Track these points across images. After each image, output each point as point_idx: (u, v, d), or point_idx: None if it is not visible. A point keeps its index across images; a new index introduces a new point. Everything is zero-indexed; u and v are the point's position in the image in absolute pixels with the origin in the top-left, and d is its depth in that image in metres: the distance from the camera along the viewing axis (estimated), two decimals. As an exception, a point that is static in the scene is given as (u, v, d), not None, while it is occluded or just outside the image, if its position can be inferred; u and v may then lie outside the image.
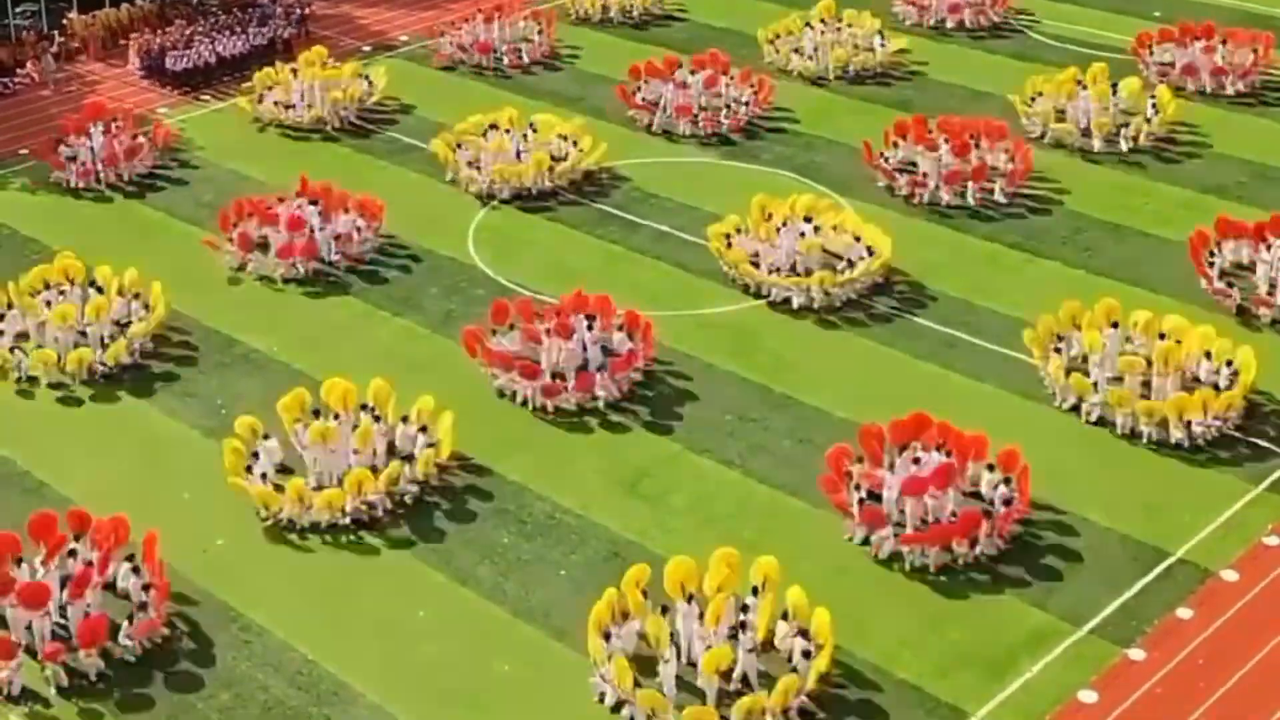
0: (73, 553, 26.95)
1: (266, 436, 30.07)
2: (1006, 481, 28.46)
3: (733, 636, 25.08)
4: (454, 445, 30.05)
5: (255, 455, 29.67)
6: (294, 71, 46.24)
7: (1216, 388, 31.46)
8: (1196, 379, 31.87)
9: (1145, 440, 30.80)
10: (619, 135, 43.99)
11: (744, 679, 24.70)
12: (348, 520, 28.76)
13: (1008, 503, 28.12)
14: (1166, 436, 30.70)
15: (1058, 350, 32.41)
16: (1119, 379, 31.64)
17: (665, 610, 25.49)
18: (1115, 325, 32.92)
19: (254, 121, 45.10)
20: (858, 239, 36.75)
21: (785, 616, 25.68)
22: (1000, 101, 45.00)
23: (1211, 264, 35.99)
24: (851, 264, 36.06)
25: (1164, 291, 35.67)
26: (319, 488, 29.10)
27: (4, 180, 42.73)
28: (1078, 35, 50.91)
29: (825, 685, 24.84)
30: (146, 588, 26.47)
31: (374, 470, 29.41)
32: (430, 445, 29.89)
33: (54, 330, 33.71)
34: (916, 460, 29.04)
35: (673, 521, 28.94)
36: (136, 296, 34.94)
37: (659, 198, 40.80)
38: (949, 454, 28.96)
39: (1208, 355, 32.05)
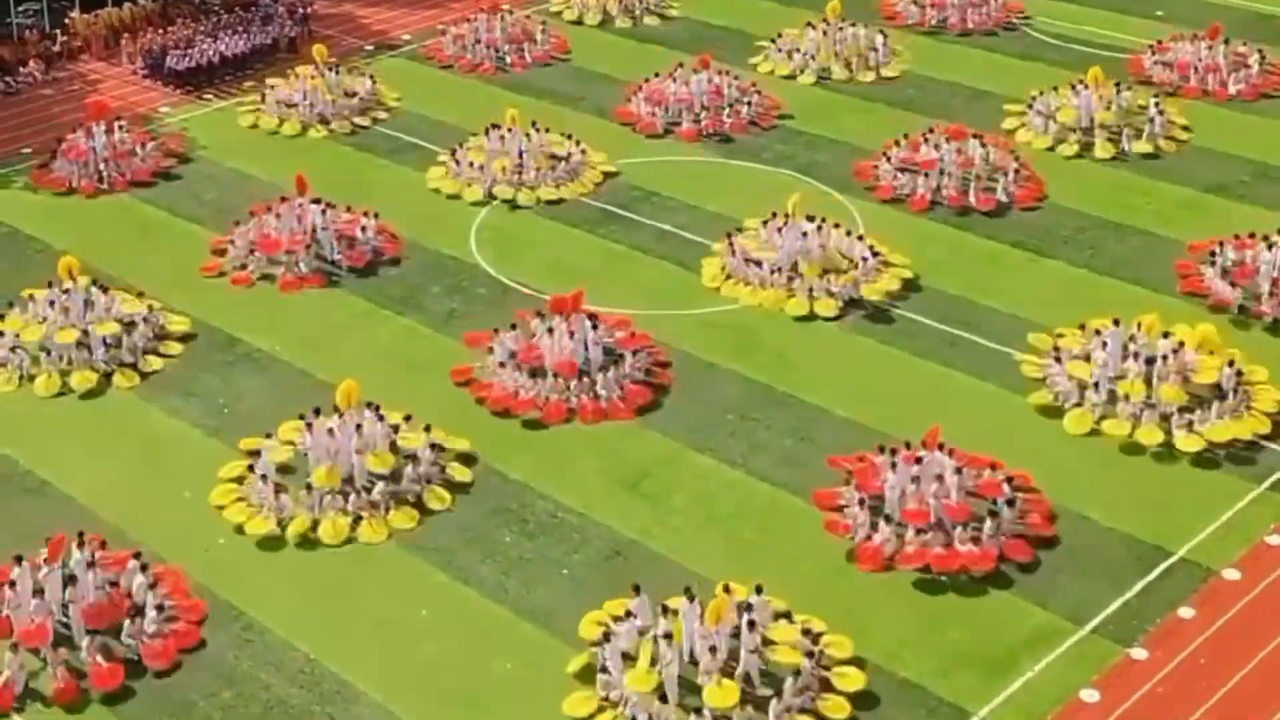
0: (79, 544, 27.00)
1: (268, 435, 30.07)
2: (1009, 481, 28.45)
3: (734, 636, 25.09)
4: (463, 469, 30.13)
5: (257, 454, 29.69)
6: (295, 73, 46.33)
7: (1220, 388, 31.46)
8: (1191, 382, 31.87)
9: (1147, 439, 30.77)
10: (620, 134, 44.00)
11: (746, 679, 24.69)
12: (350, 520, 28.80)
13: (1010, 503, 28.10)
14: (1169, 435, 30.69)
15: (1057, 354, 32.43)
16: (1121, 377, 31.63)
17: (666, 610, 25.48)
18: (1117, 323, 32.90)
19: (254, 128, 45.04)
20: (860, 238, 36.74)
21: (789, 616, 25.66)
22: (1002, 101, 45.00)
23: (1212, 263, 35.99)
24: (856, 265, 36.08)
25: (1167, 291, 35.64)
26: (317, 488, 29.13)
27: (6, 179, 42.76)
28: (1080, 35, 50.90)
29: (824, 684, 24.87)
30: (153, 586, 26.49)
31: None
32: (433, 446, 29.90)
33: (56, 331, 33.66)
34: (919, 460, 29.01)
35: (674, 520, 28.95)
36: (140, 295, 34.97)
37: (660, 196, 40.80)
38: (950, 453, 28.95)
39: (1210, 355, 32.11)
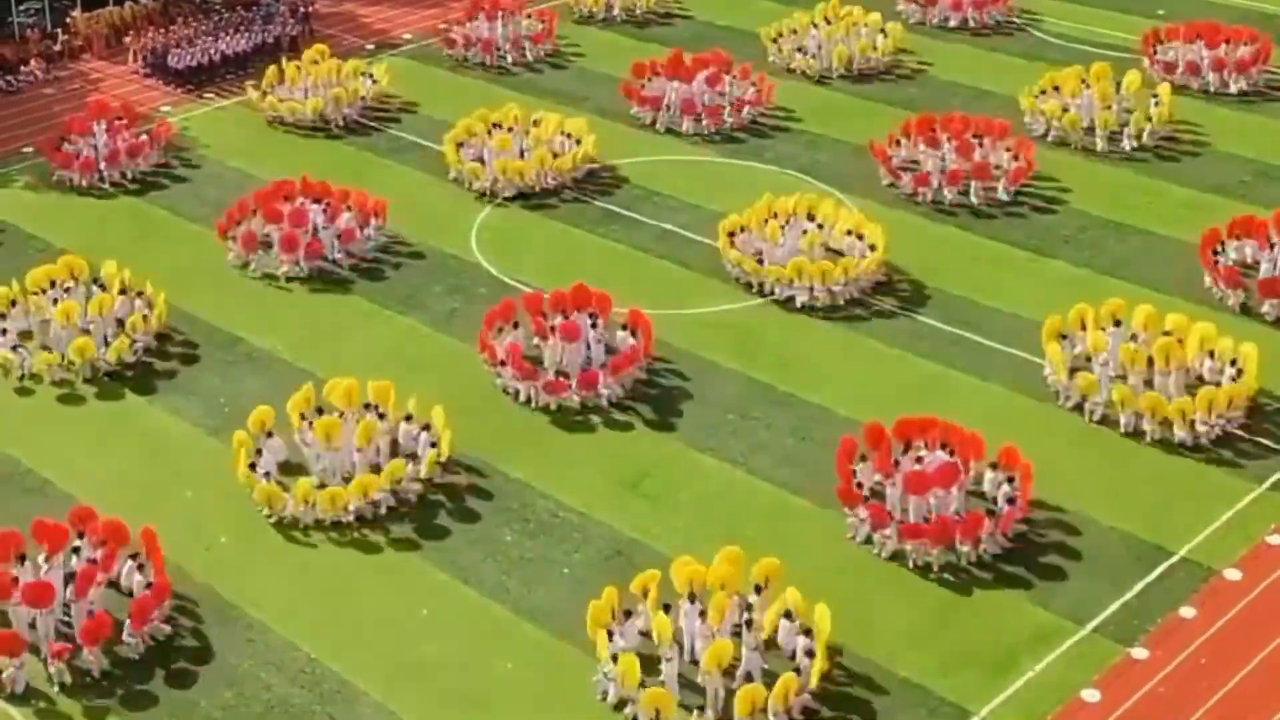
0: (76, 549, 26.99)
1: (270, 434, 30.09)
2: (1010, 480, 28.45)
3: (736, 634, 25.11)
4: (451, 444, 30.02)
5: (259, 453, 29.70)
6: (298, 68, 46.40)
7: (1219, 386, 31.45)
8: (1200, 378, 31.87)
9: (1148, 439, 30.79)
10: (622, 133, 44.00)
11: (748, 676, 24.69)
12: (351, 518, 28.79)
13: (1011, 501, 28.11)
14: (1170, 435, 30.69)
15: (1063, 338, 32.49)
16: (1123, 377, 31.63)
17: (668, 608, 25.49)
18: (1119, 323, 32.91)
19: (259, 112, 45.09)
20: (860, 236, 36.75)
21: (789, 615, 25.68)
22: (1004, 100, 45.00)
23: (1216, 261, 35.99)
24: (856, 264, 36.11)
25: (1168, 290, 35.63)
26: (322, 485, 29.09)
27: (7, 178, 42.77)
28: (1081, 34, 50.88)
29: (828, 683, 24.84)
30: (150, 585, 26.51)
31: (377, 469, 29.46)
32: (433, 444, 29.92)
33: (58, 328, 33.70)
34: (920, 459, 29.03)
35: (675, 520, 28.94)
36: (140, 294, 35.00)
37: (662, 195, 40.79)
38: (952, 453, 28.96)
39: (1210, 354, 32.10)
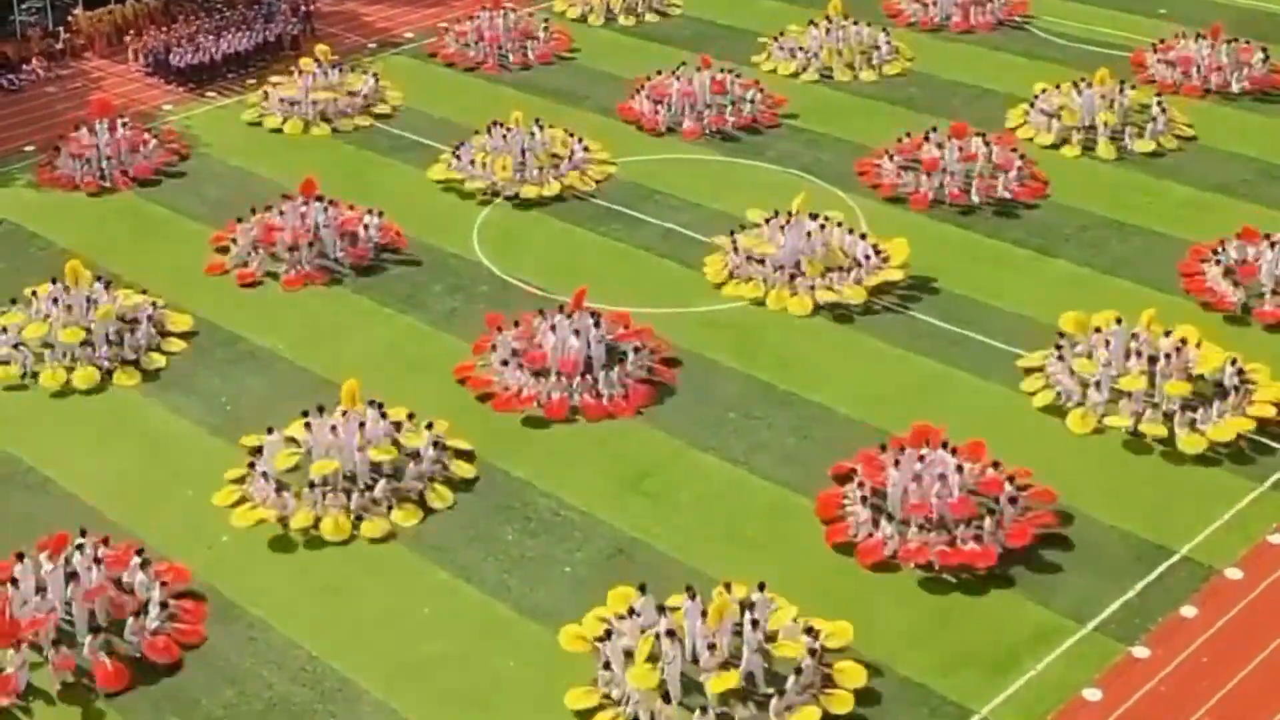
0: (80, 546, 26.95)
1: (270, 431, 30.07)
2: (1010, 480, 28.43)
3: (737, 634, 25.09)
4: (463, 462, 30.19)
5: (259, 451, 29.69)
6: (299, 70, 46.39)
7: (1221, 385, 31.45)
8: (1201, 377, 31.84)
9: (1149, 437, 30.76)
10: (623, 132, 43.99)
11: (749, 677, 24.68)
12: (352, 518, 28.80)
13: (1013, 501, 28.08)
14: (1172, 433, 30.67)
15: (1059, 350, 32.42)
16: (1124, 375, 31.63)
17: (664, 609, 25.41)
18: (1120, 321, 32.88)
19: (257, 126, 45.04)
20: (863, 236, 36.73)
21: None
22: (1005, 99, 45.00)
23: (1217, 262, 35.96)
24: (859, 263, 36.08)
25: (1169, 289, 35.61)
26: (323, 483, 29.09)
27: (8, 177, 42.77)
28: (1083, 33, 50.86)
29: (828, 681, 24.85)
30: (163, 584, 26.53)
31: (379, 468, 29.44)
32: (435, 444, 29.93)
33: (59, 329, 33.66)
34: (921, 458, 29.00)
35: (676, 519, 28.94)
36: (144, 293, 35.01)
37: (663, 194, 40.78)
38: (954, 452, 28.94)
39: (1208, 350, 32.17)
